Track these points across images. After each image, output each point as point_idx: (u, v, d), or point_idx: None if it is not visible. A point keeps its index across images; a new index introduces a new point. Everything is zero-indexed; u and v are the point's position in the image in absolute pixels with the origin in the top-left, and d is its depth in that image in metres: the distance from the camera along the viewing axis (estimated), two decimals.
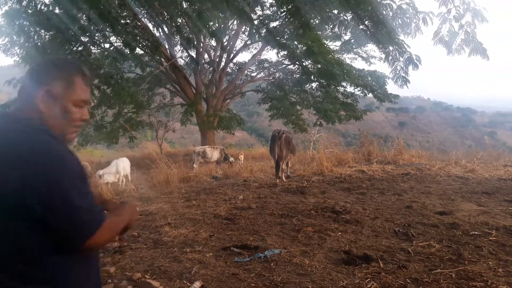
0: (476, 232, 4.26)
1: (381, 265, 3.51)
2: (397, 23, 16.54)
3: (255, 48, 20.62)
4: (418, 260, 3.59)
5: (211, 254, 4.01)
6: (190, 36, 17.83)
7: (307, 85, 19.17)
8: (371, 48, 19.40)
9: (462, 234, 4.24)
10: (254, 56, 20.30)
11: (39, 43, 12.81)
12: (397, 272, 3.34)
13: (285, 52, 17.54)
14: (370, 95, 18.02)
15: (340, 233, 4.49)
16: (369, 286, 3.10)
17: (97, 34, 13.44)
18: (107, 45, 14.88)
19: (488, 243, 3.94)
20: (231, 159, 13.19)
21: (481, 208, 5.37)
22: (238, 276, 3.40)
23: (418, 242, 4.06)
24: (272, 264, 3.63)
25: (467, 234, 4.24)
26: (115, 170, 10.09)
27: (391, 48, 15.83)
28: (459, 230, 4.35)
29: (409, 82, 16.79)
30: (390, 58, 16.42)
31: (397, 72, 16.73)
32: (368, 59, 19.83)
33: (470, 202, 5.77)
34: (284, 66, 20.15)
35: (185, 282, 3.34)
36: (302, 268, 3.53)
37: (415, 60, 15.86)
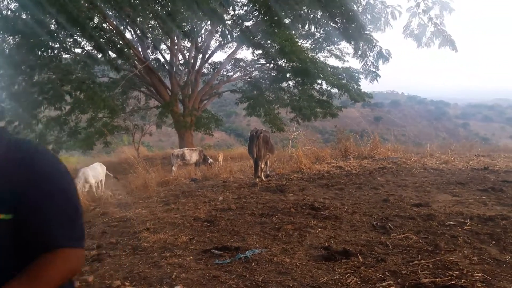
0: (452, 222, 4.36)
1: (361, 259, 3.55)
2: (366, 18, 16.82)
3: (230, 47, 20.59)
4: (396, 253, 3.65)
5: (191, 257, 3.97)
6: (162, 37, 17.68)
7: (283, 84, 19.26)
8: (345, 46, 19.64)
9: (438, 225, 4.34)
10: (229, 56, 20.26)
11: (6, 50, 12.45)
12: (376, 266, 3.39)
13: (260, 51, 17.58)
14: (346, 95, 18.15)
15: (319, 229, 4.52)
16: (349, 281, 3.13)
17: (67, 40, 13.17)
18: (78, 50, 14.56)
19: (463, 232, 4.04)
20: (210, 160, 13.12)
21: (456, 199, 5.51)
22: (219, 278, 3.38)
23: (396, 234, 4.13)
24: (253, 264, 3.63)
25: (443, 224, 4.34)
26: (83, 181, 9.46)
27: (361, 43, 16.09)
28: (435, 221, 4.45)
29: (379, 76, 17.09)
30: (359, 53, 16.68)
31: (368, 67, 16.98)
32: (342, 56, 20.05)
33: (445, 193, 5.91)
34: (260, 65, 20.19)
35: (165, 287, 3.30)
36: (283, 266, 3.53)
37: (385, 54, 16.18)
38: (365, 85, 18.60)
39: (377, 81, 17.16)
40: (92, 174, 9.81)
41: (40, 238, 1.16)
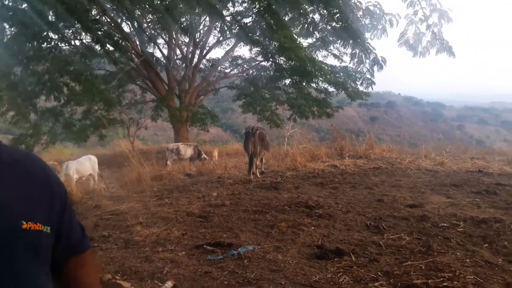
0: (445, 224, 4.37)
1: (353, 258, 3.55)
2: (364, 23, 16.90)
3: (228, 44, 20.48)
4: (389, 253, 3.65)
5: (183, 252, 3.95)
6: (160, 32, 17.59)
7: (281, 82, 19.24)
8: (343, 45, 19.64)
9: (431, 226, 4.34)
10: (227, 52, 20.16)
11: (4, 39, 12.34)
12: (369, 266, 3.38)
13: (258, 49, 17.52)
14: (343, 93, 18.27)
15: (313, 227, 4.51)
16: (341, 280, 3.12)
17: (66, 31, 13.09)
18: (76, 42, 14.46)
19: (456, 234, 4.04)
20: (203, 156, 13.08)
21: (450, 200, 5.52)
22: (211, 274, 3.36)
23: (389, 235, 4.13)
24: (245, 261, 3.61)
25: (436, 226, 4.34)
26: (65, 173, 9.11)
27: (357, 50, 16.23)
28: (429, 222, 4.46)
29: (374, 84, 17.50)
30: (356, 60, 16.84)
31: (363, 74, 17.21)
32: (340, 56, 20.05)
33: (439, 194, 5.92)
34: (257, 62, 20.11)
35: (156, 282, 3.27)
36: (275, 264, 3.52)
37: (381, 62, 16.32)
38: (362, 84, 18.69)
39: (372, 88, 17.55)
40: (77, 168, 9.60)
41: (71, 243, 1.20)
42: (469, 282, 2.95)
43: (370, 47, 15.87)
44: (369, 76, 17.27)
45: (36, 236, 1.01)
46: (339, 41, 17.02)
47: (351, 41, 15.23)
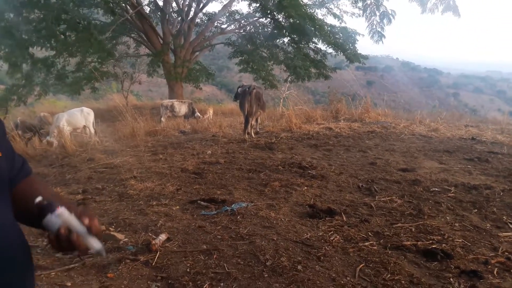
0: (436, 189, 4.43)
1: (344, 218, 3.61)
2: None
3: None
4: (380, 215, 3.71)
5: (177, 207, 3.99)
6: None
7: (279, 40, 18.84)
8: (344, 3, 19.24)
9: (423, 190, 4.40)
10: (224, 6, 19.52)
11: None
12: (360, 226, 3.44)
13: (257, 5, 16.99)
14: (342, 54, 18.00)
15: (306, 187, 4.56)
16: (332, 238, 3.18)
17: None
18: None
19: (446, 199, 4.11)
20: (197, 114, 13.00)
21: (442, 166, 5.58)
22: (204, 229, 3.41)
23: (381, 197, 4.18)
24: (238, 217, 3.66)
25: (427, 190, 4.40)
26: (55, 125, 9.21)
27: (368, 2, 15.86)
28: (420, 187, 4.51)
29: (384, 37, 17.29)
30: (368, 12, 16.52)
31: (373, 27, 16.93)
32: (340, 15, 19.58)
33: (432, 160, 5.97)
34: (255, 19, 19.57)
35: (150, 234, 3.32)
36: (268, 221, 3.57)
37: (390, 15, 16.04)
38: (361, 47, 18.37)
39: (382, 42, 17.32)
40: (68, 119, 9.53)
41: (17, 167, 1.23)
42: (457, 245, 3.02)
43: None
44: (379, 30, 17.17)
45: None
46: None
47: None
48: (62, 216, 1.02)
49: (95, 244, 1.03)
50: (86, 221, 1.06)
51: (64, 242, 1.02)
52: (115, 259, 2.89)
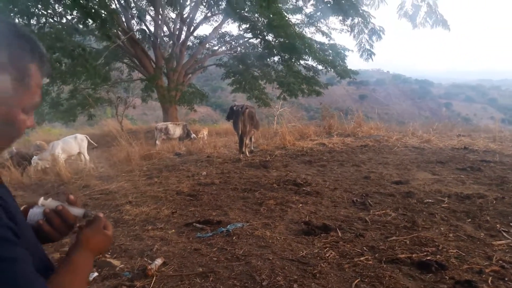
0: (430, 200, 4.46)
1: (340, 234, 3.62)
2: None
3: (216, 20, 20.12)
4: (374, 229, 3.73)
5: (173, 231, 3.99)
6: (147, 7, 17.14)
7: (269, 59, 19.08)
8: (332, 21, 19.53)
9: (416, 202, 4.43)
10: (215, 29, 19.81)
11: None
12: (355, 241, 3.46)
13: (247, 25, 17.27)
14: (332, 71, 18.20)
15: (301, 204, 4.58)
16: (327, 255, 3.19)
17: (55, 5, 12.74)
18: (64, 20, 14.01)
19: (440, 210, 4.14)
20: (193, 135, 13.06)
21: (435, 177, 5.63)
22: (200, 251, 3.41)
23: (375, 211, 4.21)
24: (234, 237, 3.66)
25: (421, 202, 4.43)
26: (51, 153, 9.20)
27: (356, 20, 16.08)
28: (414, 199, 4.55)
29: (374, 54, 17.33)
30: (356, 31, 16.72)
31: (362, 45, 17.08)
32: (329, 33, 19.91)
33: (425, 171, 6.02)
34: (246, 39, 19.86)
35: (146, 259, 3.31)
36: (263, 240, 3.58)
37: (379, 31, 16.25)
38: (351, 62, 18.62)
39: (372, 59, 17.41)
40: (63, 147, 9.56)
41: None
42: (452, 255, 3.04)
43: (370, 16, 15.87)
44: (368, 47, 17.25)
45: None
46: (335, 14, 16.93)
47: (349, 11, 15.15)
48: (42, 202, 1.15)
49: (78, 210, 1.18)
50: (62, 197, 1.15)
51: (54, 221, 1.12)
52: (111, 286, 2.88)
